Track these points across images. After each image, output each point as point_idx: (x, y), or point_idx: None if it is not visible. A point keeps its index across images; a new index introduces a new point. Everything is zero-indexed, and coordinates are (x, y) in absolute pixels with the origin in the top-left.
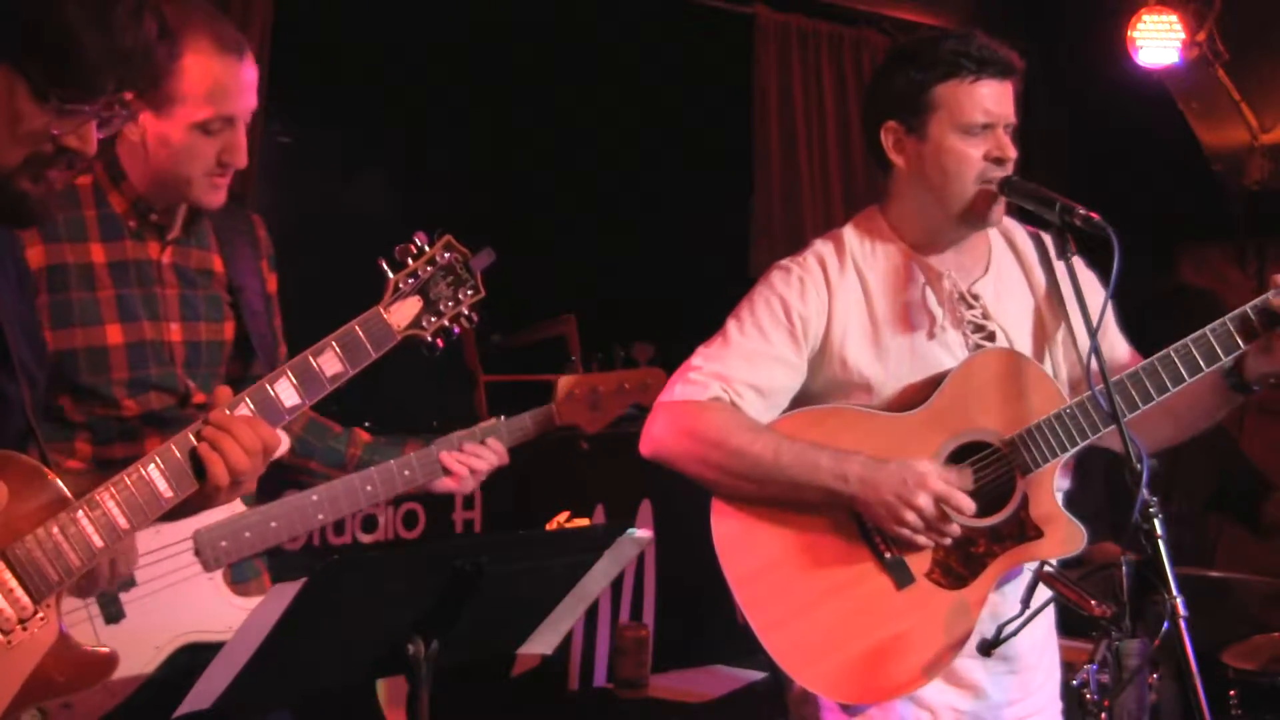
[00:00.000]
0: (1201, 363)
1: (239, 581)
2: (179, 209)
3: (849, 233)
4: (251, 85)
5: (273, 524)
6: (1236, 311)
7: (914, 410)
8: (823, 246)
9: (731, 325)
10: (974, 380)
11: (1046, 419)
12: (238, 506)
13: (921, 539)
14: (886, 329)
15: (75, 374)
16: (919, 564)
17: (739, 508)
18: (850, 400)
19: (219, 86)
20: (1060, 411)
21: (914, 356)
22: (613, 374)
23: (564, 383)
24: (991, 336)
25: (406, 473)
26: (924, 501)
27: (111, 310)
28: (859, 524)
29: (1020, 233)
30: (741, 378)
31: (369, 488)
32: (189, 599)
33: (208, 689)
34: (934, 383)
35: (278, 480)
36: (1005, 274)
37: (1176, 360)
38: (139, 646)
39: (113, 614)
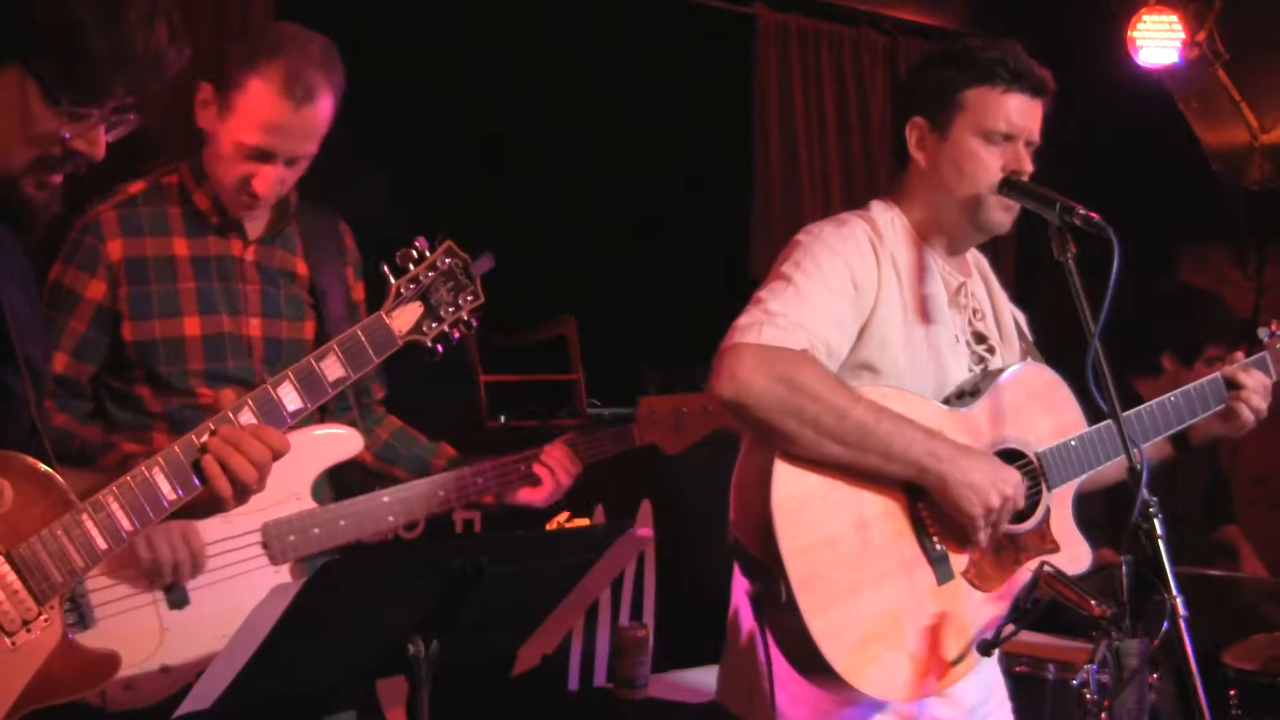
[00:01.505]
0: (1185, 415)
1: None
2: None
3: (877, 213)
4: (305, 132)
5: (342, 522)
6: (1213, 376)
7: (959, 409)
8: (860, 218)
9: (799, 276)
10: (1015, 390)
11: (1077, 437)
12: (308, 503)
13: (983, 535)
14: (912, 317)
15: (154, 363)
16: (959, 562)
17: (808, 471)
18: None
19: (266, 121)
20: (1089, 433)
21: (931, 352)
22: (696, 395)
23: (646, 402)
24: (991, 350)
25: (480, 480)
26: (1012, 492)
27: (191, 302)
28: (913, 511)
29: (990, 271)
30: (821, 334)
31: (441, 493)
32: (254, 590)
33: (208, 689)
34: (965, 389)
35: (359, 483)
36: (980, 301)
37: (1169, 410)
38: (202, 634)
39: (177, 600)
